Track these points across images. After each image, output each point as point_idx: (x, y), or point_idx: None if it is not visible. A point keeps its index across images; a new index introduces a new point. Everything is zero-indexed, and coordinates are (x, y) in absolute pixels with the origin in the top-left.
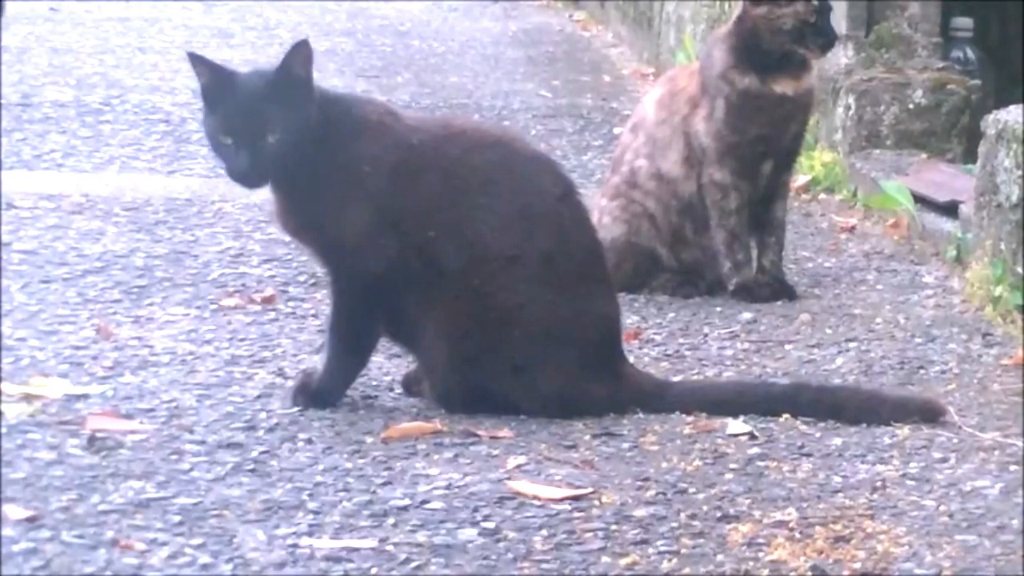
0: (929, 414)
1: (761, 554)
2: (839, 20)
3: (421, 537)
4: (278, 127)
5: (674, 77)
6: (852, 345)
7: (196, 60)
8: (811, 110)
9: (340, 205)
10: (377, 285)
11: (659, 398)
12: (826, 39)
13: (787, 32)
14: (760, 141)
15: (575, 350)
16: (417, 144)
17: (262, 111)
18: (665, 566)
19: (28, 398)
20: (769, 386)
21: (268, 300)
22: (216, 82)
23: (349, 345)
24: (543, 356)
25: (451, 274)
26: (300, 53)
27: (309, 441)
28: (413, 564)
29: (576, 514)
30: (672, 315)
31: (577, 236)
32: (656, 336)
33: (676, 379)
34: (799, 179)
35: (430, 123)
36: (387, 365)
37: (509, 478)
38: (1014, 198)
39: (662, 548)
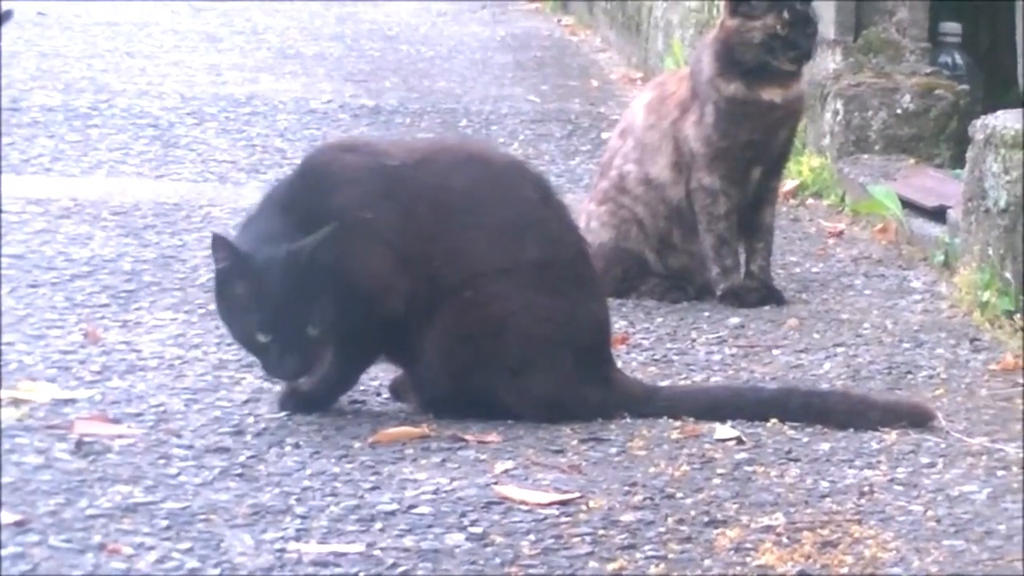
0: (918, 418)
1: (749, 559)
2: (827, 25)
3: (408, 542)
4: (318, 317)
5: (663, 82)
6: (840, 350)
7: (220, 245)
8: (800, 117)
9: (359, 261)
10: (389, 317)
11: (648, 403)
12: (797, 52)
13: (758, 45)
14: (750, 147)
15: (565, 354)
16: (397, 166)
17: (301, 303)
18: (652, 571)
19: (16, 402)
20: (758, 391)
21: None
22: (239, 269)
23: (352, 364)
24: (534, 361)
25: (446, 292)
26: (328, 238)
27: (297, 446)
28: (400, 569)
29: (563, 519)
30: (660, 320)
31: (564, 238)
32: (644, 341)
33: (664, 384)
34: (787, 184)
35: (399, 148)
36: (374, 370)
37: (496, 483)
38: (1002, 203)
39: (649, 553)
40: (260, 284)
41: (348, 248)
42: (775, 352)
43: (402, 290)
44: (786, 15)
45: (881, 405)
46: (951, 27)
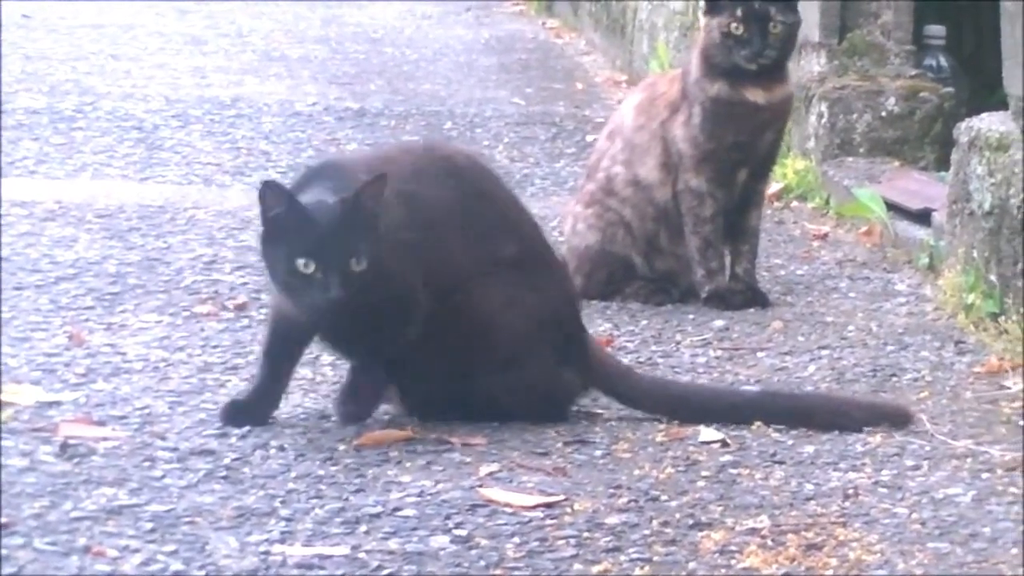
0: (899, 420)
1: (733, 561)
2: (811, 28)
3: (393, 544)
4: (363, 254)
5: (654, 83)
6: (824, 353)
7: (273, 193)
8: (786, 119)
9: (398, 278)
10: (415, 327)
11: (623, 383)
12: (750, 50)
13: (717, 44)
14: (736, 148)
15: (549, 341)
16: (413, 191)
17: (349, 237)
18: (637, 574)
19: (0, 405)
20: (738, 393)
21: (241, 307)
22: (292, 213)
23: (385, 373)
24: (523, 355)
25: (439, 298)
26: (376, 187)
27: (281, 448)
28: (385, 571)
29: (548, 521)
30: (645, 323)
31: (525, 226)
32: (628, 344)
33: (646, 373)
34: (772, 186)
35: (383, 164)
36: None
37: (481, 485)
38: (986, 206)
39: (634, 556)
40: (313, 227)
41: (387, 267)
42: (760, 355)
43: (423, 302)
44: (739, 12)
45: (863, 407)
46: (936, 30)
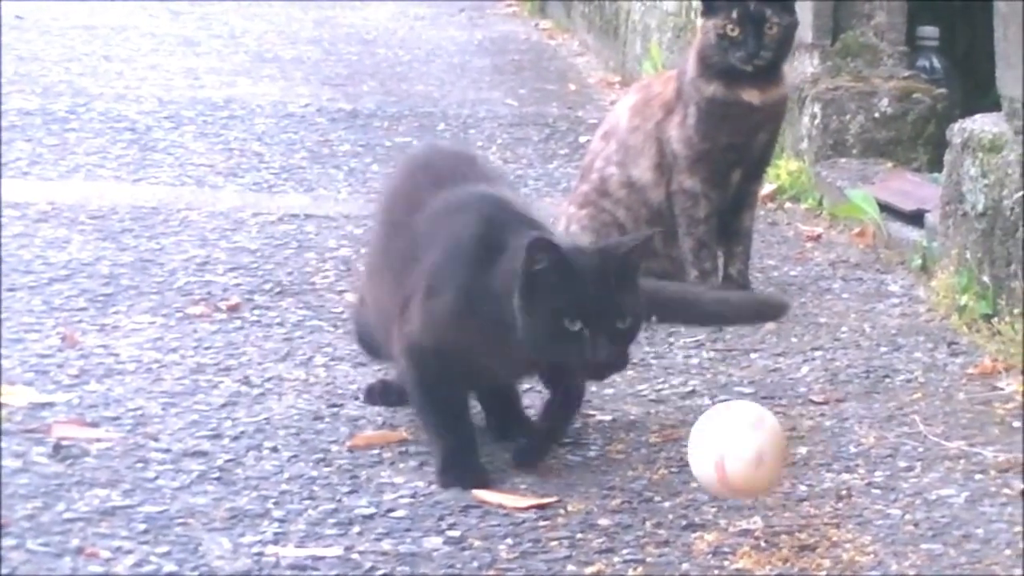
0: (772, 312)
1: (726, 563)
2: (805, 29)
3: (386, 545)
4: (629, 313)
5: (649, 84)
6: (818, 354)
7: (542, 247)
8: (781, 119)
9: None
10: None
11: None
12: (745, 52)
13: (713, 45)
14: (730, 149)
15: None
16: None
17: (616, 296)
18: (630, 574)
19: None
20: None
21: (233, 308)
22: (559, 268)
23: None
24: None
25: None
26: (643, 245)
27: (275, 449)
28: (378, 572)
29: (541, 523)
30: None
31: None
32: None
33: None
34: (765, 187)
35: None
36: (352, 374)
37: (474, 486)
38: (980, 207)
39: (627, 557)
40: (582, 285)
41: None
42: (753, 356)
43: None
44: (734, 14)
45: (737, 301)
46: (929, 31)
